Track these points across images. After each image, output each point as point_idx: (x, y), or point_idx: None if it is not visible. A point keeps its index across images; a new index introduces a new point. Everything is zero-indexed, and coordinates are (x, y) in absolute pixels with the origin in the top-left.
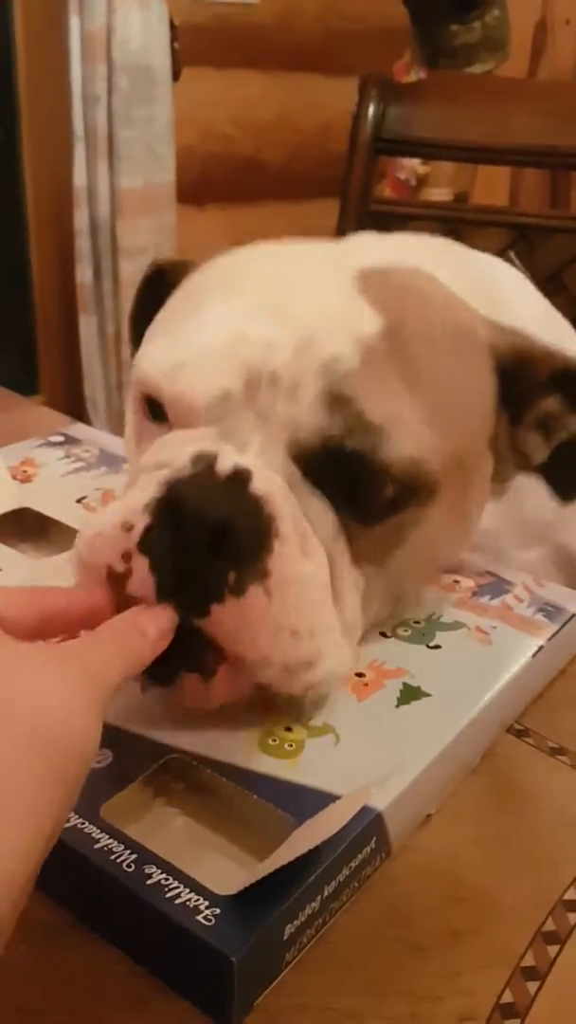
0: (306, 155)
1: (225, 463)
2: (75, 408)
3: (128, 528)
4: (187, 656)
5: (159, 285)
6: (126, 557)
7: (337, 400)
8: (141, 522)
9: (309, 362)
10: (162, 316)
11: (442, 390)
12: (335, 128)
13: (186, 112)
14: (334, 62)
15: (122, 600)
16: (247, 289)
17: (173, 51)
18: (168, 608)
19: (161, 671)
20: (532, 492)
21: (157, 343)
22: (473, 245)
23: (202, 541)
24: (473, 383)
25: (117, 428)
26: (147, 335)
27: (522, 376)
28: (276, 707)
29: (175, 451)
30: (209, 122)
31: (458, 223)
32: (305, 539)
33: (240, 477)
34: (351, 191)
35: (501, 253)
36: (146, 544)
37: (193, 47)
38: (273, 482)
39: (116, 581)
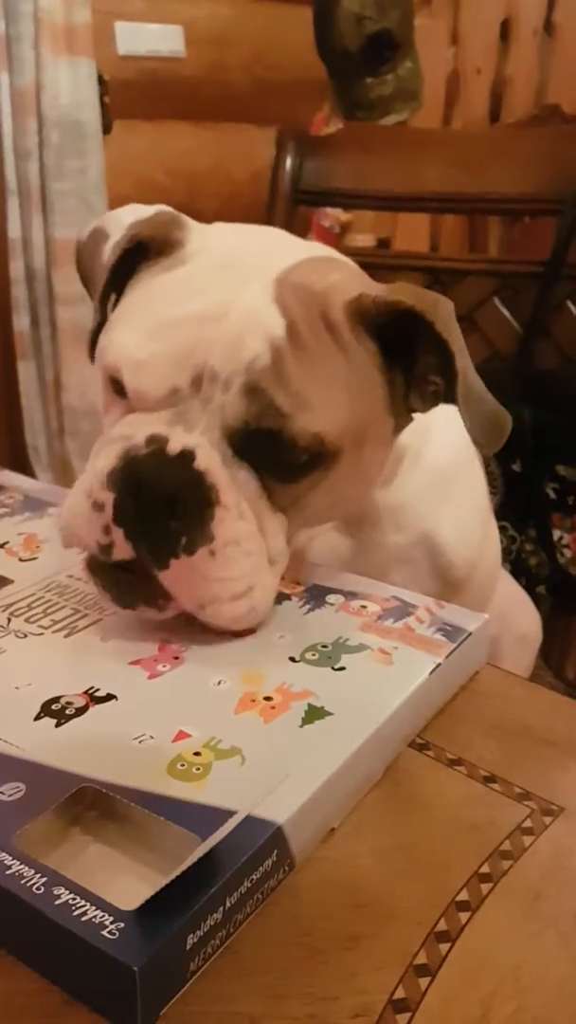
0: (239, 203)
1: (175, 444)
2: (17, 455)
3: (99, 507)
4: (146, 596)
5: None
6: (106, 530)
7: (253, 391)
8: (108, 498)
9: (237, 361)
10: (131, 296)
11: (333, 374)
12: (267, 176)
13: (121, 164)
14: (262, 112)
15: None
16: (198, 290)
17: (103, 105)
18: None
19: (126, 599)
20: (405, 476)
21: (123, 337)
22: None
23: (159, 509)
24: (357, 361)
25: (59, 475)
26: (118, 317)
27: (398, 325)
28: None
29: (134, 429)
30: (143, 172)
31: (377, 268)
32: (240, 503)
33: (186, 455)
34: None
35: None
36: (118, 517)
37: (124, 101)
38: (213, 458)
39: (104, 550)
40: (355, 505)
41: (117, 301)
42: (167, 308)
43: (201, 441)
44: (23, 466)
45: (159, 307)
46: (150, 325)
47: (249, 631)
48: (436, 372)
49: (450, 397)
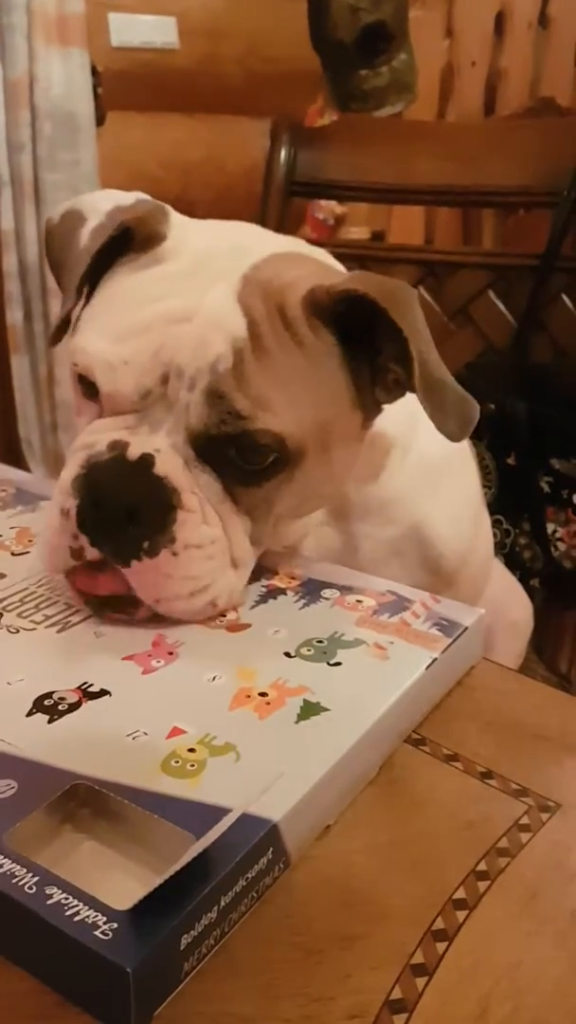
0: (233, 195)
1: (135, 450)
2: (11, 449)
3: (66, 513)
4: (114, 604)
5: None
6: (75, 537)
7: (215, 395)
8: (72, 505)
9: (202, 360)
10: (105, 293)
11: (292, 373)
12: (261, 168)
13: (114, 155)
14: (256, 104)
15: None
16: (169, 293)
17: (96, 97)
18: None
19: (96, 609)
20: (394, 469)
21: (96, 341)
22: None
23: (119, 516)
24: (316, 356)
25: (52, 468)
26: (91, 308)
27: (357, 322)
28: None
29: (97, 437)
30: (137, 164)
31: (371, 261)
32: (203, 507)
33: (146, 461)
34: None
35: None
36: (81, 524)
37: (118, 92)
38: (174, 463)
39: (76, 553)
40: (327, 501)
41: (90, 293)
42: (138, 310)
43: (163, 445)
44: (16, 460)
45: (130, 309)
46: (122, 329)
47: (237, 625)
48: (395, 360)
49: (411, 385)
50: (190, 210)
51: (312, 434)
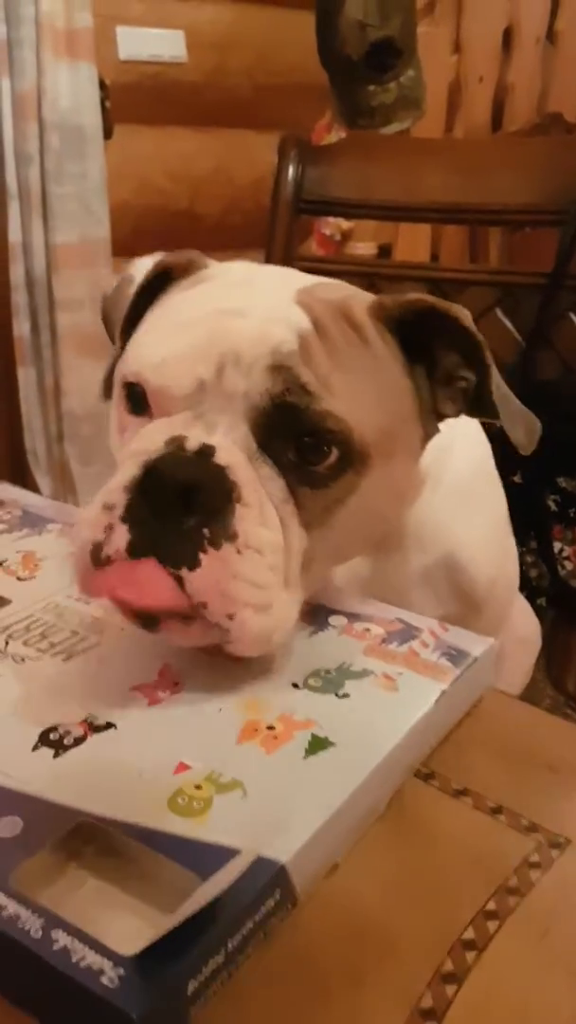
0: (241, 208)
1: (193, 442)
2: (16, 460)
3: (110, 508)
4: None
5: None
6: (107, 529)
7: (279, 368)
8: (122, 499)
9: (263, 346)
10: (154, 318)
11: (358, 372)
12: (269, 181)
13: (122, 168)
14: (264, 117)
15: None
16: (220, 298)
17: (104, 110)
18: None
19: (147, 620)
20: (430, 498)
21: (146, 340)
22: None
23: (175, 501)
24: (383, 359)
25: (58, 480)
26: (139, 332)
27: (418, 327)
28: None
29: (151, 439)
30: (144, 177)
31: (378, 278)
32: (263, 506)
33: (206, 451)
34: (275, 250)
35: None
36: (126, 514)
37: (125, 105)
38: (235, 455)
39: (96, 552)
40: (386, 526)
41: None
42: (187, 311)
43: (223, 440)
44: (22, 471)
45: (179, 312)
46: (170, 326)
47: (263, 660)
48: (464, 368)
49: (480, 393)
50: (198, 223)
51: (376, 438)
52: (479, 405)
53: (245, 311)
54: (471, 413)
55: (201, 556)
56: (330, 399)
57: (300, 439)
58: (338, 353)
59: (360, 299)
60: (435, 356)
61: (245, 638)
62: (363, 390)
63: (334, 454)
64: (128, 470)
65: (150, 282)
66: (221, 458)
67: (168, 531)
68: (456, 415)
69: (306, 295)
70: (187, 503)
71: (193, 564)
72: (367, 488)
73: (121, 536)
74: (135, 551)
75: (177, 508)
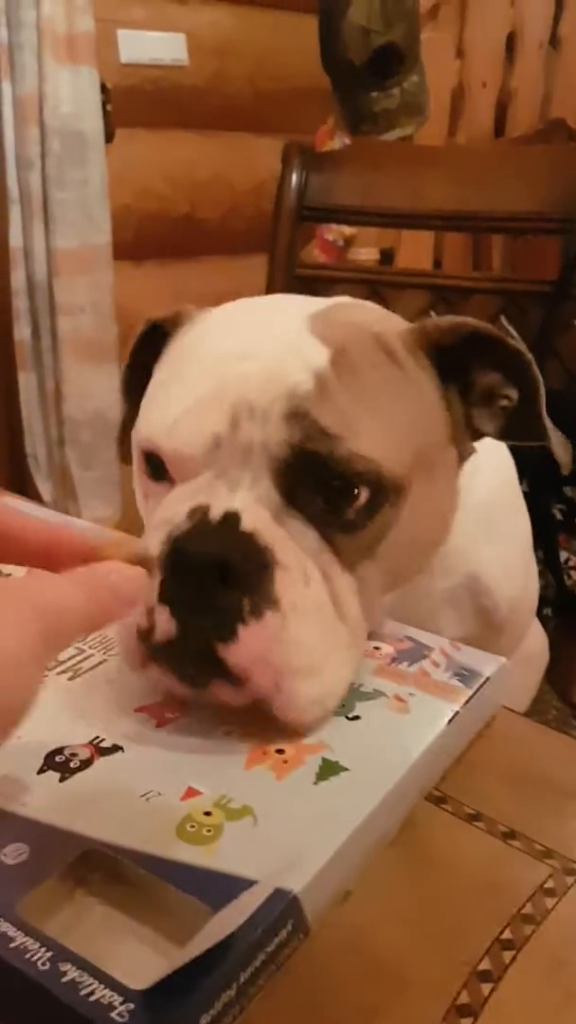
0: (242, 213)
1: (216, 511)
2: (17, 465)
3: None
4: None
5: (151, 340)
6: (150, 614)
7: (296, 415)
8: (156, 577)
9: (275, 390)
10: (158, 378)
11: (388, 398)
12: (269, 186)
13: (122, 172)
14: (265, 122)
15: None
16: (223, 340)
17: (105, 114)
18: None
19: (198, 679)
20: (456, 521)
21: (154, 403)
22: (395, 306)
23: (209, 579)
24: (419, 384)
25: (59, 484)
26: (147, 396)
27: (454, 349)
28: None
29: (174, 509)
30: (144, 181)
31: (381, 285)
32: (302, 562)
33: (230, 520)
34: (278, 257)
35: (423, 313)
36: (163, 596)
37: (126, 109)
38: (260, 517)
39: (146, 636)
40: (436, 547)
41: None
42: (191, 362)
43: (247, 500)
44: (23, 476)
45: (182, 364)
46: (175, 383)
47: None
48: (506, 386)
49: (525, 411)
50: (198, 228)
51: (411, 465)
52: (522, 423)
53: (252, 352)
54: (510, 436)
55: (240, 628)
56: (354, 439)
57: (327, 484)
58: (362, 381)
59: (393, 323)
60: (471, 375)
61: (296, 707)
62: (394, 418)
63: (364, 495)
64: (156, 544)
65: (143, 342)
66: (247, 524)
67: (205, 606)
68: (496, 434)
69: (321, 322)
70: (223, 577)
71: (232, 638)
72: (407, 517)
73: (164, 620)
74: (177, 637)
75: (213, 581)
